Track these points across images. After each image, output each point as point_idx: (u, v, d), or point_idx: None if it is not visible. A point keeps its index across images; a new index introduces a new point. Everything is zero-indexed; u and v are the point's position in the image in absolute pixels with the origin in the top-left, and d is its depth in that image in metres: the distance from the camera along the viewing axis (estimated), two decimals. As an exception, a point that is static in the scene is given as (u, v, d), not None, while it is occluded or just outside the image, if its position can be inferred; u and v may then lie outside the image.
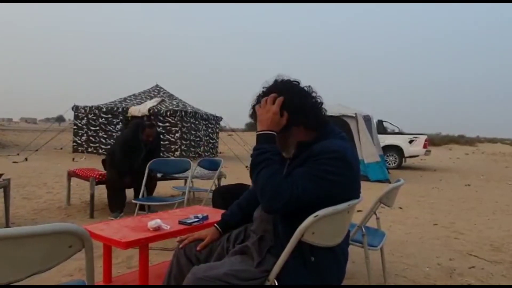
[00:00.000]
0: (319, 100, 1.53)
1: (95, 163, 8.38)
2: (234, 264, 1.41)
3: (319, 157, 1.36)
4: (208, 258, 1.59)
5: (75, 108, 13.93)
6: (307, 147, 1.44)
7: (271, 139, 1.43)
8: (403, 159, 12.55)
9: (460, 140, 39.57)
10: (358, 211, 3.61)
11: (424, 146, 12.38)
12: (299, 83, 1.53)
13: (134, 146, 4.43)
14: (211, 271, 1.34)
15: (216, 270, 1.35)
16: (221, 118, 15.88)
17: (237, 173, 8.31)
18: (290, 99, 1.46)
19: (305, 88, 1.52)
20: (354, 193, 1.47)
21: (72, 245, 1.01)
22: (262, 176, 1.36)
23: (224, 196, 2.89)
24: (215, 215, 2.35)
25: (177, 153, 12.67)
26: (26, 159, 11.08)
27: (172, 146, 12.81)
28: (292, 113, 1.46)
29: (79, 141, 13.94)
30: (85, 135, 13.81)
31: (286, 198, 1.31)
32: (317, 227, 1.32)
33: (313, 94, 1.52)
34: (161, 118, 12.86)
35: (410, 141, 12.34)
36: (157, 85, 15.45)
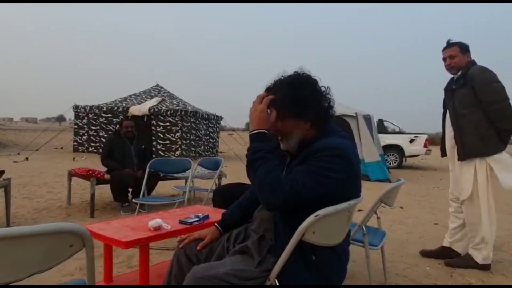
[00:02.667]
0: (327, 100, 1.52)
1: (95, 163, 8.38)
2: (235, 264, 1.40)
3: (319, 154, 1.36)
4: (209, 257, 1.59)
5: (76, 108, 13.95)
6: (307, 146, 1.45)
7: (263, 137, 1.43)
8: (404, 158, 12.54)
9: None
10: (359, 210, 3.61)
11: (425, 146, 12.37)
12: (306, 80, 1.51)
13: (118, 144, 4.80)
14: (211, 271, 1.34)
15: (216, 270, 1.35)
16: (221, 118, 15.89)
17: (238, 172, 8.30)
18: (287, 93, 1.47)
19: (315, 86, 1.51)
20: (354, 192, 1.46)
21: (73, 245, 1.01)
22: (259, 173, 1.36)
23: (224, 195, 2.89)
24: (216, 214, 2.35)
25: (178, 152, 12.67)
26: (26, 158, 11.09)
27: (172, 146, 12.81)
28: (290, 105, 1.46)
29: (80, 141, 13.96)
30: (85, 134, 13.83)
31: (286, 193, 1.30)
32: (318, 227, 1.31)
33: (320, 92, 1.51)
34: (162, 117, 12.86)
35: (411, 141, 12.32)
36: (157, 85, 15.46)
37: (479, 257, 2.85)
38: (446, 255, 3.07)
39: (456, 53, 2.85)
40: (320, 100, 1.50)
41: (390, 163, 11.92)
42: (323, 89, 1.52)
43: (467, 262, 2.90)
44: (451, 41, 2.92)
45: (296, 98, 1.46)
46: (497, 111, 2.69)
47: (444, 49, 2.94)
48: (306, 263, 1.39)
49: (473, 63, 2.87)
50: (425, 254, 3.19)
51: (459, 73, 2.88)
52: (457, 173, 2.97)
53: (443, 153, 3.20)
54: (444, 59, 2.93)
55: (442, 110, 3.13)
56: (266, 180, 1.33)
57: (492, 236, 2.87)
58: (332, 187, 1.35)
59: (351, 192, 1.44)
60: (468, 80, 2.76)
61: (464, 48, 2.87)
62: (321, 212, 1.30)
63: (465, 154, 2.84)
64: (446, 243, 3.16)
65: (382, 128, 12.74)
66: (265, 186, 1.33)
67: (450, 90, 2.96)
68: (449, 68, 2.92)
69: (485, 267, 2.85)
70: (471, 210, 2.87)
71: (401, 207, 5.41)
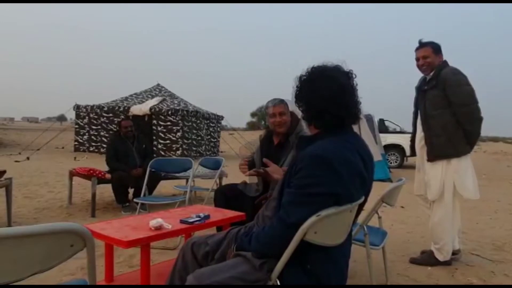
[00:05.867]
0: (338, 101, 1.42)
1: (96, 162, 8.38)
2: (237, 266, 1.39)
3: (300, 167, 1.33)
4: (214, 254, 1.59)
5: (77, 107, 13.94)
6: (305, 146, 1.44)
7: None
8: (405, 158, 12.53)
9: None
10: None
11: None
12: (320, 76, 1.45)
13: (120, 145, 4.78)
14: (216, 276, 1.33)
15: (220, 275, 1.34)
16: (222, 117, 15.89)
17: (238, 172, 8.30)
18: (300, 85, 1.50)
19: (328, 86, 1.42)
20: (349, 192, 1.36)
21: (74, 244, 1.01)
22: (256, 246, 1.41)
23: (226, 195, 2.89)
24: (217, 214, 2.35)
25: (179, 152, 12.67)
26: (28, 158, 11.10)
27: (173, 146, 12.81)
28: (297, 97, 1.51)
29: (81, 140, 13.96)
30: (86, 134, 13.83)
31: (284, 229, 1.32)
32: (319, 227, 1.31)
33: (331, 91, 1.42)
34: (163, 117, 12.86)
35: (412, 140, 12.30)
36: (158, 84, 15.46)
37: (440, 256, 2.92)
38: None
39: (429, 54, 2.87)
40: (328, 107, 1.42)
41: (391, 163, 11.91)
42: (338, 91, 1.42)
43: (431, 260, 2.96)
44: (423, 41, 2.94)
45: (306, 99, 1.48)
46: (466, 113, 2.76)
47: (417, 49, 2.95)
48: (303, 270, 1.36)
49: (445, 63, 2.89)
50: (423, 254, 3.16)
51: (431, 74, 2.90)
52: (426, 174, 3.00)
53: (413, 152, 3.22)
54: (417, 59, 2.95)
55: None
56: (263, 243, 1.39)
57: (453, 236, 2.94)
58: (321, 200, 1.30)
59: (344, 195, 1.34)
60: (440, 82, 2.80)
61: (436, 49, 2.89)
62: (323, 212, 1.30)
63: (434, 155, 2.89)
64: None
65: (383, 127, 12.73)
66: (267, 245, 1.38)
67: (421, 90, 2.99)
68: (422, 68, 2.94)
69: (446, 263, 2.92)
70: (437, 210, 2.91)
71: (402, 207, 5.40)
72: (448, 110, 2.80)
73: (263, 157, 2.49)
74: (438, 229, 2.90)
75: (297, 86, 1.51)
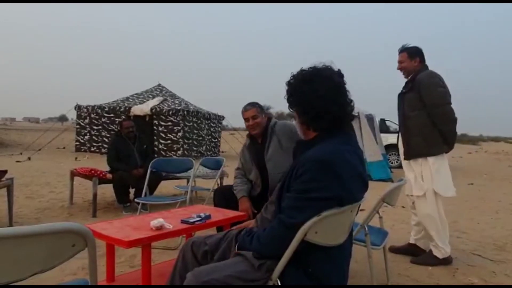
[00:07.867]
0: (333, 103, 1.41)
1: (97, 162, 8.39)
2: (237, 265, 1.39)
3: (302, 172, 1.32)
4: (213, 253, 1.59)
5: (78, 108, 13.96)
6: (304, 150, 1.43)
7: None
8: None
9: (463, 139, 39.50)
10: (361, 210, 3.60)
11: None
12: (315, 78, 1.44)
13: (121, 145, 4.79)
14: (214, 274, 1.33)
15: (218, 273, 1.34)
16: (223, 117, 15.90)
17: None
18: (293, 89, 1.49)
19: (323, 88, 1.42)
20: (351, 194, 1.36)
21: (75, 244, 1.02)
22: (257, 244, 1.41)
23: (225, 195, 2.89)
24: (218, 214, 2.35)
25: (179, 152, 12.68)
26: (29, 158, 11.12)
27: (174, 146, 12.82)
28: (292, 102, 1.50)
29: (82, 141, 13.97)
30: (87, 134, 13.85)
31: (283, 230, 1.32)
32: (320, 227, 1.31)
33: (327, 93, 1.41)
34: (163, 117, 12.88)
35: (413, 140, 12.26)
36: (159, 84, 15.48)
37: (438, 254, 2.92)
38: (412, 251, 3.12)
39: (404, 59, 3.02)
40: (325, 110, 1.42)
41: (392, 163, 11.91)
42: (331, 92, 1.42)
43: (431, 259, 2.96)
44: (403, 46, 3.06)
45: (301, 101, 1.48)
46: (439, 114, 2.85)
47: (398, 54, 3.09)
48: (304, 272, 1.36)
49: (424, 68, 2.99)
50: (393, 250, 3.21)
51: (409, 77, 3.02)
52: (406, 173, 3.09)
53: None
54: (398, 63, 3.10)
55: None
56: (266, 241, 1.39)
57: (445, 232, 2.95)
58: (322, 204, 1.30)
59: (346, 198, 1.34)
60: (415, 84, 2.92)
61: (412, 54, 3.00)
62: (324, 212, 1.30)
63: (409, 154, 3.01)
64: (412, 240, 3.20)
65: (384, 127, 12.72)
66: (268, 245, 1.38)
67: (400, 93, 3.13)
68: (401, 72, 3.09)
69: (447, 261, 2.93)
70: (422, 208, 2.95)
71: (403, 207, 5.39)
72: (424, 111, 2.90)
73: (253, 157, 2.87)
74: (427, 225, 2.93)
75: (288, 91, 1.50)
